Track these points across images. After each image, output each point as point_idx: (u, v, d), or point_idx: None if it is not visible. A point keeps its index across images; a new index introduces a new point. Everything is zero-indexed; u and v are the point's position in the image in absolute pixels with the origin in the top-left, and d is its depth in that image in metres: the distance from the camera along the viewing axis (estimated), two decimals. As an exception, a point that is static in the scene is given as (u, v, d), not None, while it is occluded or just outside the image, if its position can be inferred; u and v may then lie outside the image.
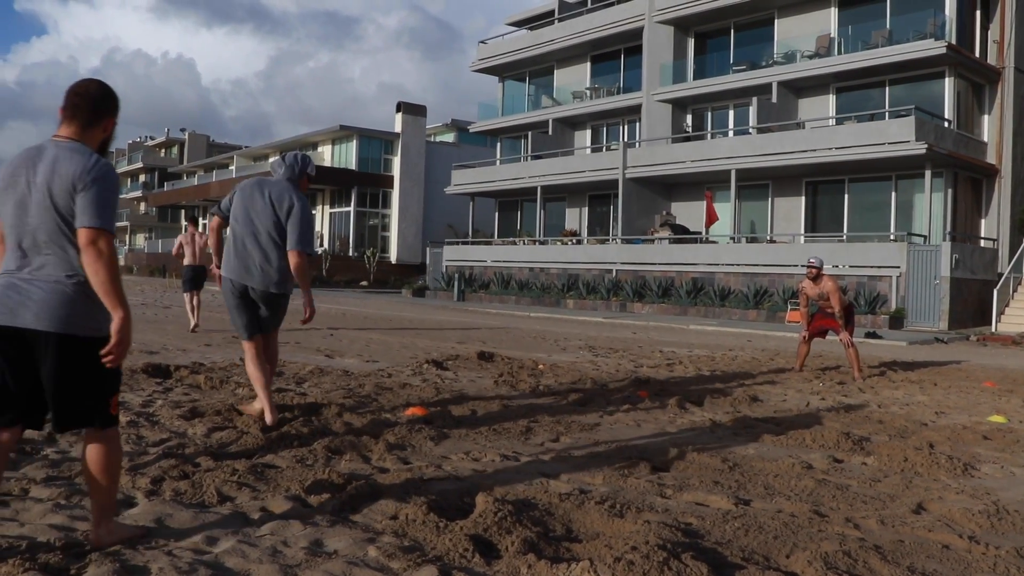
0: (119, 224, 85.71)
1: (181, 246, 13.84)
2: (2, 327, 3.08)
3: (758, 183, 28.26)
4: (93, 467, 3.21)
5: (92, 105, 3.28)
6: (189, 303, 13.56)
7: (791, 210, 27.84)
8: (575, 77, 36.41)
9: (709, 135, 30.20)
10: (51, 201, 3.11)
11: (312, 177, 6.21)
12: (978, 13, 25.88)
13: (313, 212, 47.95)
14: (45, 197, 3.12)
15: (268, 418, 5.61)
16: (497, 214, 39.02)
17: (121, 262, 73.50)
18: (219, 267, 6.01)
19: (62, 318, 3.07)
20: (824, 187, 27.29)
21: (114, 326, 3.05)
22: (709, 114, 31.48)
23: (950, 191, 24.45)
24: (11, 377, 3.10)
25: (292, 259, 5.64)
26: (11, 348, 3.08)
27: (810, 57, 27.55)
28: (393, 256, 49.55)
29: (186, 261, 13.79)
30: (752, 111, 27.44)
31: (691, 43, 31.93)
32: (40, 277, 3.12)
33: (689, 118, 31.91)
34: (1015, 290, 22.60)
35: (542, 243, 32.99)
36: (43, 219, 3.12)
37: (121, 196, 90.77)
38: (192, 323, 13.37)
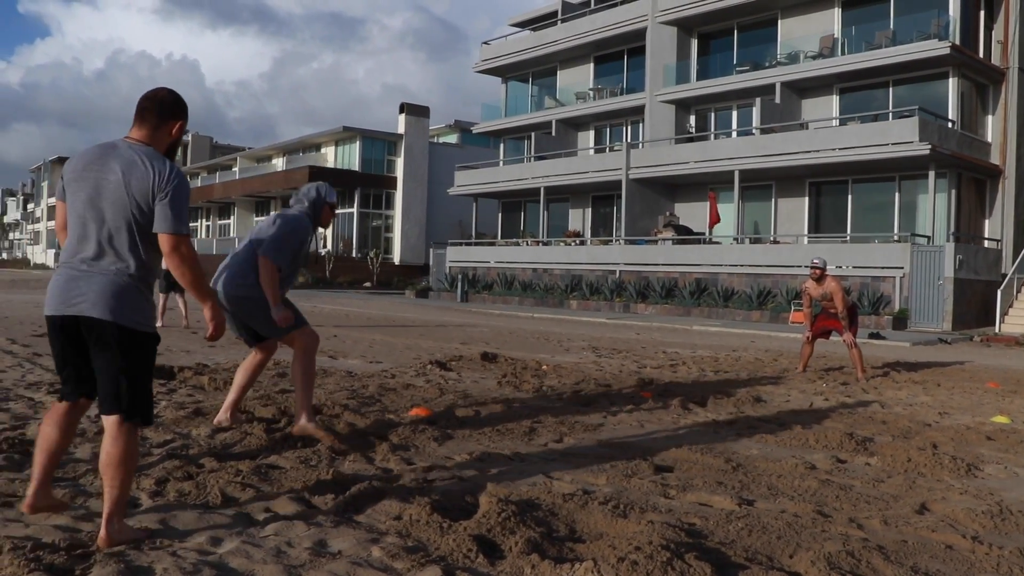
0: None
1: None
2: (63, 316, 3.33)
3: (761, 184, 28.23)
4: (104, 459, 3.33)
5: (160, 109, 3.48)
6: (162, 304, 14.37)
7: (794, 211, 27.81)
8: (578, 78, 36.40)
9: (712, 136, 30.18)
10: (129, 200, 3.31)
11: (334, 205, 5.77)
12: (982, 13, 25.83)
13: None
14: (123, 196, 3.31)
15: (219, 416, 5.64)
16: (500, 215, 39.02)
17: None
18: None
19: (113, 308, 3.29)
20: (828, 188, 27.26)
21: (206, 314, 3.54)
22: (712, 115, 31.46)
23: (954, 192, 24.41)
24: (73, 360, 3.42)
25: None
26: (73, 335, 3.35)
27: (813, 58, 27.53)
28: (396, 257, 49.57)
29: (164, 264, 14.01)
30: (755, 112, 27.42)
31: (694, 44, 31.92)
32: (99, 270, 3.32)
33: (692, 119, 31.89)
34: (1019, 291, 22.55)
35: (545, 244, 32.98)
36: (117, 216, 3.31)
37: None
38: (159, 323, 13.59)
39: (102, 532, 3.27)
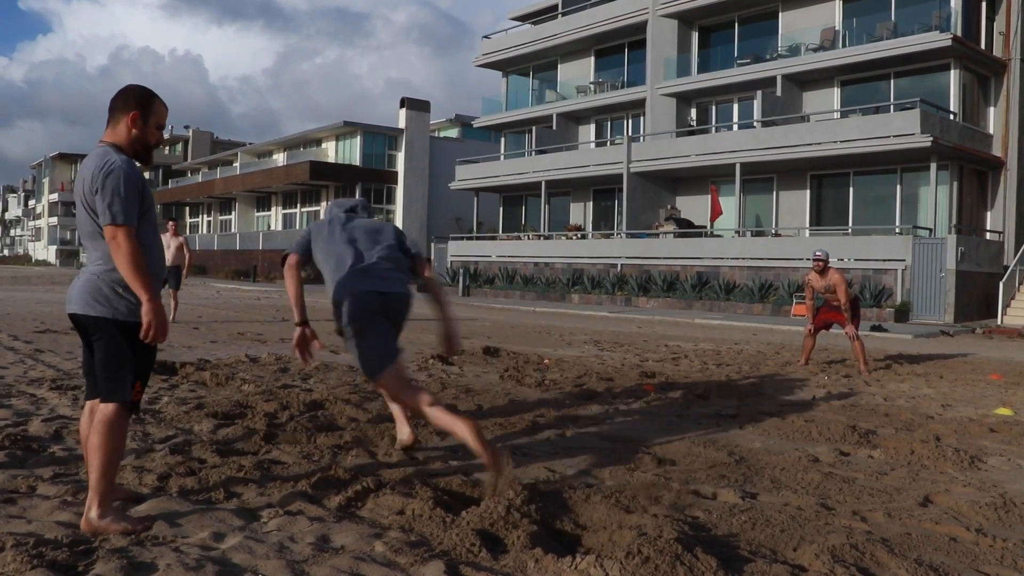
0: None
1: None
2: (69, 314, 3.60)
3: (763, 177, 28.20)
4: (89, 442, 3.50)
5: (114, 104, 3.56)
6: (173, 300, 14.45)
7: (796, 203, 27.78)
8: (579, 71, 36.34)
9: (713, 129, 30.13)
10: (83, 201, 3.49)
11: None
12: (983, 5, 25.76)
13: (317, 209, 47.66)
14: (80, 199, 3.50)
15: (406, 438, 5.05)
16: (501, 209, 38.99)
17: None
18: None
19: (88, 303, 3.47)
20: (829, 180, 27.22)
21: (144, 311, 3.38)
22: (713, 108, 31.41)
23: (955, 184, 24.37)
24: (87, 359, 3.66)
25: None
26: (79, 331, 3.61)
27: (815, 50, 27.47)
28: (398, 252, 49.49)
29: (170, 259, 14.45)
30: (756, 104, 27.36)
31: (695, 37, 31.85)
32: (85, 271, 3.56)
33: (693, 112, 31.85)
34: (1021, 283, 22.52)
35: (547, 238, 32.96)
36: (82, 219, 3.52)
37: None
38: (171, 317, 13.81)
39: (83, 518, 3.41)
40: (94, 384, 3.59)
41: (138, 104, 3.53)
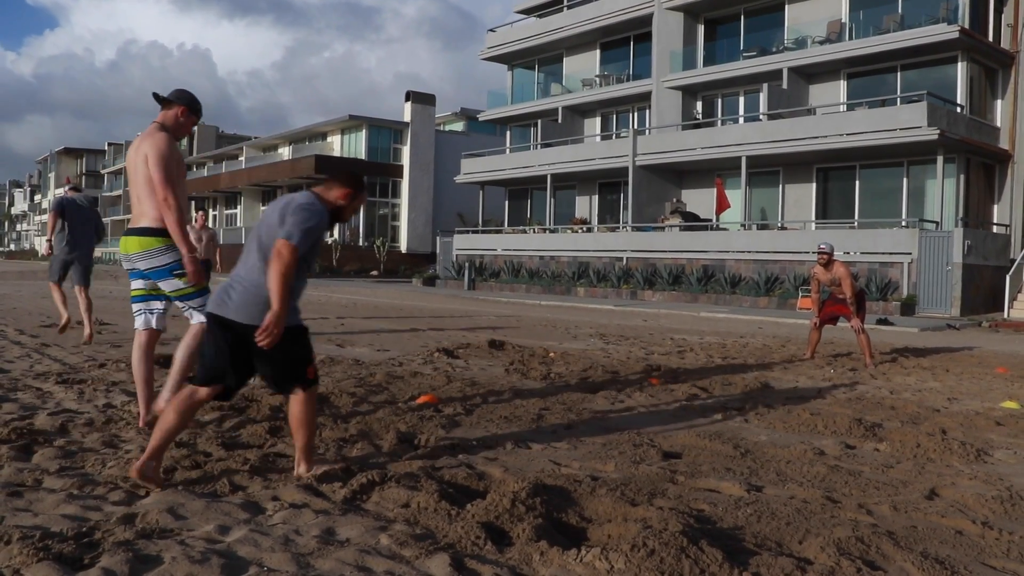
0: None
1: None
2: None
3: (769, 170, 28.14)
4: (293, 418, 4.14)
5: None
6: None
7: (802, 197, 27.72)
8: (584, 64, 36.26)
9: (719, 122, 30.07)
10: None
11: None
12: (991, -4, 25.66)
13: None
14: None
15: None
16: (507, 203, 38.96)
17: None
18: None
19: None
20: (835, 173, 27.15)
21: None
22: (719, 101, 31.33)
23: (962, 177, 24.28)
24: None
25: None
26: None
27: (821, 43, 27.37)
28: (403, 245, 49.58)
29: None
30: (763, 97, 27.29)
31: (701, 29, 31.75)
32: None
33: (699, 105, 31.76)
34: (1028, 276, 22.45)
35: (552, 231, 32.94)
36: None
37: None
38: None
39: (295, 471, 4.16)
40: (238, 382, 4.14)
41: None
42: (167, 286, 5.15)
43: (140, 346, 5.27)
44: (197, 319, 5.18)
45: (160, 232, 5.03)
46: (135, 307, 5.34)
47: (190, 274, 5.02)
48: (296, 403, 4.10)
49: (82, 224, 10.09)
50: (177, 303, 5.25)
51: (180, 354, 5.18)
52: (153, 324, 5.35)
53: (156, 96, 5.19)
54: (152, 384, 5.33)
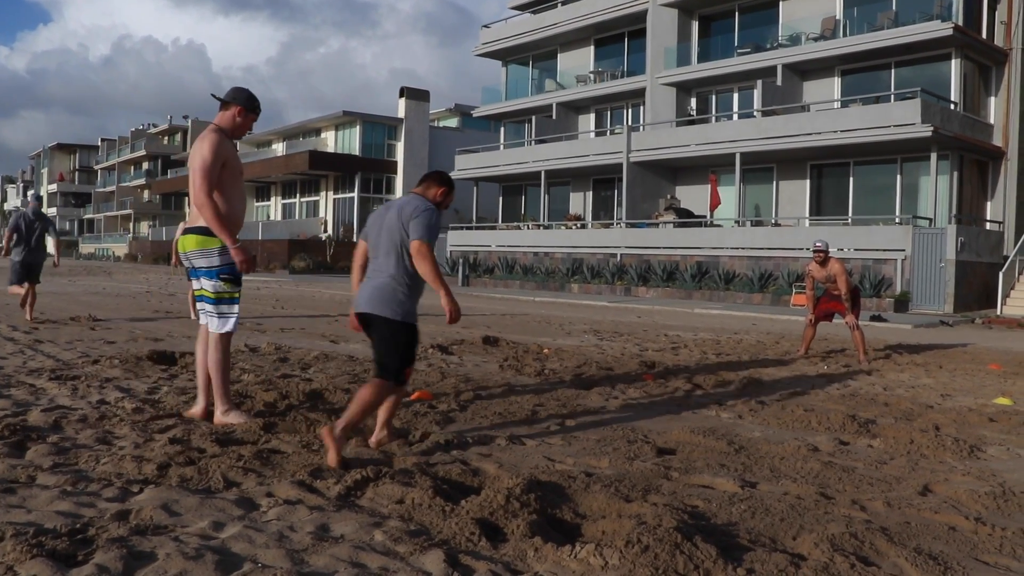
0: (123, 212, 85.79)
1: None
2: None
3: (763, 166, 28.16)
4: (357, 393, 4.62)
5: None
6: (191, 294, 13.69)
7: (796, 193, 27.75)
8: (579, 61, 36.24)
9: (713, 118, 30.07)
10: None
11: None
12: (984, -7, 25.71)
13: (316, 198, 47.52)
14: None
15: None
16: (501, 199, 38.96)
17: (124, 250, 73.61)
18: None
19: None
20: (829, 170, 27.19)
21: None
22: (713, 97, 31.34)
23: (956, 174, 24.33)
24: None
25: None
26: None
27: (815, 39, 27.39)
28: (397, 242, 49.46)
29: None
30: (757, 94, 27.30)
31: (695, 26, 31.75)
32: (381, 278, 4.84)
33: (693, 101, 31.77)
34: (1021, 273, 22.52)
35: (546, 228, 32.94)
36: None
37: (124, 184, 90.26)
38: (193, 314, 13.31)
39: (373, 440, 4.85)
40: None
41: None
42: (210, 286, 5.28)
43: (202, 339, 5.45)
44: (216, 327, 5.31)
45: (211, 233, 5.18)
46: (200, 306, 5.46)
47: (239, 263, 5.17)
48: (368, 383, 4.67)
49: (38, 236, 12.32)
50: (206, 305, 5.35)
51: (214, 372, 5.33)
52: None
53: (215, 96, 5.38)
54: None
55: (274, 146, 58.06)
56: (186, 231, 5.32)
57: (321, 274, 41.52)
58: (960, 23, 23.85)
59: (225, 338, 5.34)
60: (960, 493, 4.24)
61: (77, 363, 7.80)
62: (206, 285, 5.32)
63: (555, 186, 35.07)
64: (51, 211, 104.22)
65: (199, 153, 5.12)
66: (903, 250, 22.10)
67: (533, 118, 35.87)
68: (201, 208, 5.09)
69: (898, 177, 25.38)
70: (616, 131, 32.28)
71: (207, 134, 5.20)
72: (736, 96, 30.41)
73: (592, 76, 35.12)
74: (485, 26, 39.70)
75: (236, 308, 5.35)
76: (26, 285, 12.10)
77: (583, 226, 32.11)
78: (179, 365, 7.91)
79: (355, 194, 49.49)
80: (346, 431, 4.44)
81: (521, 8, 39.96)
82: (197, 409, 5.47)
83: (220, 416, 5.29)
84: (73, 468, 4.16)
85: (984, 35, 25.36)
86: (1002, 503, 4.10)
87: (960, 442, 5.42)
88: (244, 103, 5.32)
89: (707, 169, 29.21)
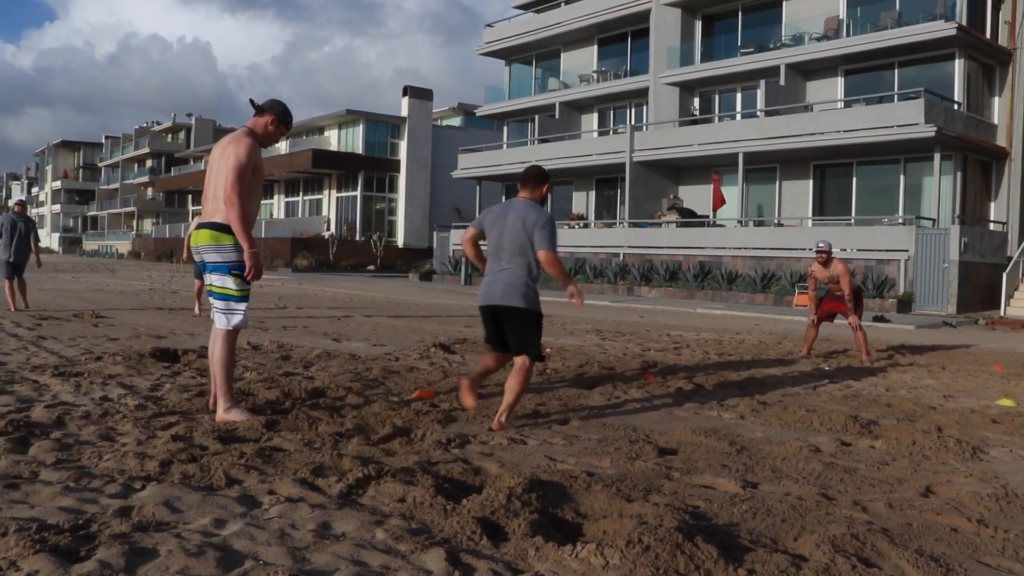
0: (127, 209, 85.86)
1: None
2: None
3: (766, 166, 28.14)
4: (510, 377, 5.55)
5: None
6: (197, 289, 13.83)
7: (799, 193, 27.73)
8: (582, 60, 36.23)
9: (716, 118, 30.06)
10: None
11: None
12: (989, -6, 25.67)
13: (319, 197, 47.66)
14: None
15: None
16: (504, 198, 38.93)
17: (128, 247, 73.67)
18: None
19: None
20: (832, 170, 27.16)
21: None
22: (716, 97, 31.33)
23: (959, 174, 24.30)
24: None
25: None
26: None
27: (818, 39, 27.36)
28: (400, 240, 49.54)
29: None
30: (760, 94, 27.29)
31: (698, 25, 31.73)
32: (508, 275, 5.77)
33: (696, 101, 31.75)
34: (1024, 274, 22.50)
35: (548, 227, 32.87)
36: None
37: (127, 181, 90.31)
38: (197, 309, 13.61)
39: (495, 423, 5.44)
40: (505, 347, 5.72)
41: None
42: (219, 281, 5.33)
43: (228, 344, 5.47)
44: (223, 323, 5.35)
45: (228, 230, 5.26)
46: (215, 303, 5.50)
47: (250, 268, 5.26)
48: (517, 366, 5.51)
49: (23, 238, 13.67)
50: (214, 300, 5.39)
51: (217, 369, 5.35)
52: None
53: (252, 102, 5.55)
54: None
55: (277, 144, 58.04)
56: (200, 226, 5.39)
57: (324, 272, 41.54)
58: (964, 23, 23.81)
59: (231, 335, 5.37)
60: (962, 495, 4.24)
61: (80, 360, 7.81)
62: (215, 280, 5.36)
63: (558, 185, 35.06)
64: (55, 208, 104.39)
65: (235, 154, 5.20)
66: (906, 251, 22.07)
67: (536, 117, 35.86)
68: (229, 206, 5.15)
69: (901, 177, 25.36)
70: (619, 131, 32.28)
71: (242, 137, 5.30)
72: (739, 96, 30.39)
73: (595, 75, 35.10)
74: (488, 25, 39.69)
75: (243, 306, 5.37)
76: (15, 280, 13.50)
77: (586, 225, 32.11)
78: (182, 362, 7.92)
79: (358, 192, 49.50)
80: (511, 412, 5.51)
81: (524, 7, 39.94)
82: (212, 401, 5.59)
83: (222, 413, 5.29)
84: (76, 464, 4.17)
85: (988, 35, 25.32)
86: (1004, 505, 4.09)
87: (963, 444, 5.41)
88: (279, 115, 5.51)
89: (710, 169, 29.19)
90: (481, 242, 5.82)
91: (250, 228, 5.26)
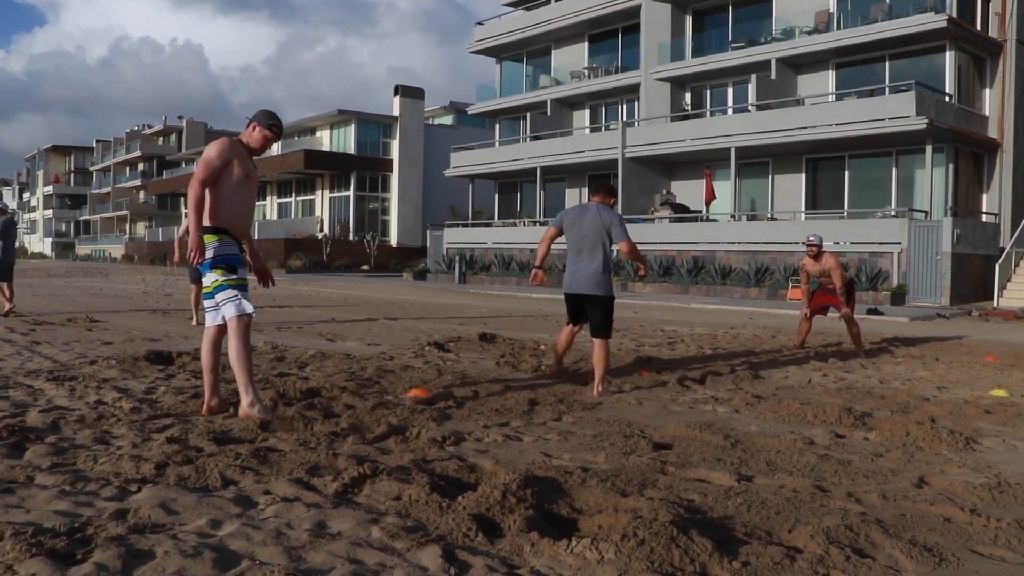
0: (119, 213, 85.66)
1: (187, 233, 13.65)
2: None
3: (758, 160, 28.19)
4: (594, 355, 7.00)
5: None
6: (194, 296, 13.44)
7: (791, 187, 27.78)
8: (573, 57, 36.23)
9: (708, 113, 30.10)
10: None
11: None
12: (978, -14, 25.72)
13: (312, 197, 47.58)
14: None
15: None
16: (497, 196, 38.95)
17: (121, 251, 73.48)
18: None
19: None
20: (824, 164, 27.22)
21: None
22: (708, 92, 31.36)
23: (951, 166, 24.37)
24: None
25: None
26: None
27: (809, 33, 27.41)
28: (393, 240, 49.49)
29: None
30: (751, 88, 27.33)
31: (689, 20, 31.76)
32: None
33: (688, 96, 31.78)
34: (1017, 265, 22.57)
35: (542, 224, 32.93)
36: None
37: (119, 185, 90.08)
38: (195, 319, 13.00)
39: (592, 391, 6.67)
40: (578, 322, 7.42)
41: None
42: (208, 280, 5.52)
43: (206, 340, 5.62)
44: (230, 312, 5.45)
45: (211, 230, 5.45)
46: (205, 304, 5.70)
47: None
48: (598, 345, 6.91)
49: (12, 241, 13.83)
50: (206, 300, 5.58)
51: (234, 362, 5.45)
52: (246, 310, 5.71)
53: (248, 118, 5.94)
54: (217, 373, 5.69)
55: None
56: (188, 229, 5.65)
57: (318, 272, 41.51)
58: (954, 15, 23.87)
59: (242, 325, 5.45)
60: (956, 485, 4.26)
61: (75, 364, 7.80)
62: (206, 280, 5.53)
63: (550, 182, 35.07)
64: (47, 213, 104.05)
65: (207, 149, 5.55)
66: (899, 243, 22.13)
67: (528, 115, 35.86)
68: (188, 191, 5.44)
69: (893, 170, 25.42)
70: (611, 127, 32.29)
71: (223, 138, 5.65)
72: (731, 90, 30.43)
73: (586, 72, 35.11)
74: (479, 23, 39.66)
75: (235, 294, 5.46)
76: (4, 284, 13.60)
77: (579, 222, 32.05)
78: (176, 365, 7.91)
79: (351, 192, 49.43)
80: (603, 380, 6.89)
81: (515, 5, 39.92)
82: (215, 402, 5.64)
83: (246, 408, 5.40)
84: (71, 468, 4.16)
85: (978, 27, 25.38)
86: (997, 494, 4.12)
87: (956, 434, 5.43)
88: (259, 118, 5.74)
89: (702, 164, 29.24)
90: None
91: (229, 226, 5.52)
